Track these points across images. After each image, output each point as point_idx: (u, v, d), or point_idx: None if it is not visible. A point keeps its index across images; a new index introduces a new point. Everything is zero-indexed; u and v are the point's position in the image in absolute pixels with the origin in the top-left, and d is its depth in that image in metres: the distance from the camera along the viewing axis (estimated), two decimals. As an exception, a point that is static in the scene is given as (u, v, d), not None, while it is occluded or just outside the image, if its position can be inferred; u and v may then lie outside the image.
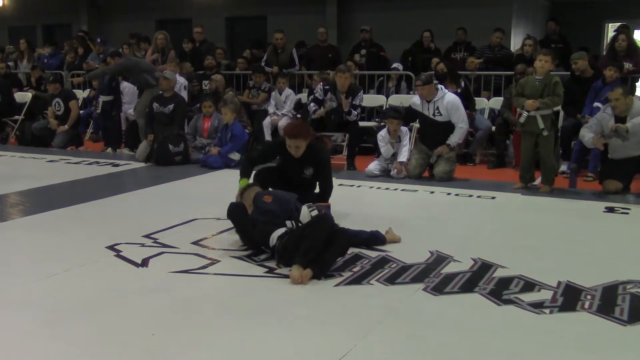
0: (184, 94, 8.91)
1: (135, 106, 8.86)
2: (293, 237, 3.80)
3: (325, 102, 7.45)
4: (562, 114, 7.52)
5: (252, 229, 4.06)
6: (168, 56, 9.62)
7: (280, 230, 3.91)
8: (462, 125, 6.76)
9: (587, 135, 6.01)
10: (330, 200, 4.78)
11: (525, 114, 6.03)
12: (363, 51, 10.36)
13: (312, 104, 7.62)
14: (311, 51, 10.66)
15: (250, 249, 4.15)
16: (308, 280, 3.54)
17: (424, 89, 6.62)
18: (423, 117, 6.82)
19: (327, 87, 7.53)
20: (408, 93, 9.40)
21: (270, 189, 4.68)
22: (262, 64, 9.95)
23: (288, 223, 3.96)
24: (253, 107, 9.27)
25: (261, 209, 4.13)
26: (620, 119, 5.94)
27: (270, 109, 9.05)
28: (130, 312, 3.14)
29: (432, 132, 6.80)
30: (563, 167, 7.27)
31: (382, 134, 7.01)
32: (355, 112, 7.45)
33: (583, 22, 12.64)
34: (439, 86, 6.74)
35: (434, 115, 6.71)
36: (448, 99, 6.67)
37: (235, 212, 4.22)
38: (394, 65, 9.90)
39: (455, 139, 6.76)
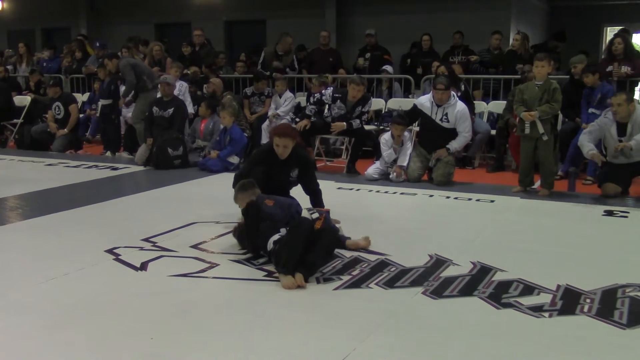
0: (187, 98, 8.94)
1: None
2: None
3: (332, 108, 7.42)
4: (561, 117, 7.53)
5: (256, 231, 4.05)
6: (166, 65, 9.62)
7: (277, 236, 3.91)
8: (466, 134, 6.79)
9: (586, 146, 6.00)
10: (330, 204, 4.77)
11: (528, 124, 6.07)
12: (367, 54, 10.39)
13: (311, 106, 7.57)
14: (312, 54, 10.68)
15: (249, 252, 4.15)
16: (303, 282, 3.53)
17: (445, 94, 6.62)
18: (428, 119, 6.81)
19: (338, 95, 7.40)
20: (407, 96, 9.40)
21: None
22: (259, 67, 9.94)
23: (282, 230, 3.95)
24: (257, 110, 9.23)
25: (263, 212, 4.12)
26: (622, 124, 5.93)
27: (270, 112, 9.04)
28: (129, 316, 3.14)
29: (434, 137, 6.79)
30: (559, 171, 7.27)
31: (386, 138, 7.01)
32: (358, 121, 7.39)
33: (582, 25, 12.66)
34: (452, 93, 6.75)
35: (441, 120, 6.71)
36: (459, 107, 6.69)
37: (250, 211, 4.16)
38: (384, 67, 9.90)
39: (456, 145, 6.77)
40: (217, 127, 7.81)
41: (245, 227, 4.25)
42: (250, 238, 4.13)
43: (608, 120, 6.02)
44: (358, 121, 7.36)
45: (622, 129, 5.94)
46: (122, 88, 9.50)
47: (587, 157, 6.13)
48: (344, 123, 7.29)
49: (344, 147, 8.37)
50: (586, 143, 6.02)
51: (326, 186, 5.06)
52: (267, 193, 4.45)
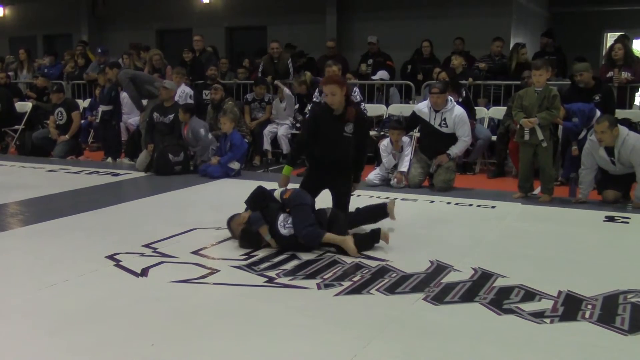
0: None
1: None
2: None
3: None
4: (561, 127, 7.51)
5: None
6: (166, 73, 9.64)
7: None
8: (465, 139, 6.78)
9: (584, 187, 6.03)
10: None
11: (527, 130, 6.06)
12: (370, 60, 10.43)
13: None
14: (319, 62, 10.70)
15: (248, 247, 4.27)
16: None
17: (440, 97, 6.62)
18: (427, 125, 6.81)
19: (321, 88, 7.63)
20: (407, 102, 9.40)
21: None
22: (259, 74, 9.97)
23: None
24: (258, 117, 9.22)
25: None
26: (609, 148, 5.81)
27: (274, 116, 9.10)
28: (129, 322, 3.14)
29: (434, 142, 6.79)
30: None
31: (385, 144, 7.01)
32: None
33: (582, 31, 12.70)
34: (449, 98, 6.75)
35: (439, 125, 6.70)
36: (457, 112, 6.68)
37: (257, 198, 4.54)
38: (379, 73, 9.90)
39: (456, 150, 6.76)
40: (196, 132, 7.80)
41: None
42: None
43: (594, 143, 5.91)
44: None
45: (609, 149, 5.82)
46: (123, 94, 9.56)
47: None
48: None
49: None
50: (584, 183, 6.03)
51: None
52: (320, 149, 4.78)
